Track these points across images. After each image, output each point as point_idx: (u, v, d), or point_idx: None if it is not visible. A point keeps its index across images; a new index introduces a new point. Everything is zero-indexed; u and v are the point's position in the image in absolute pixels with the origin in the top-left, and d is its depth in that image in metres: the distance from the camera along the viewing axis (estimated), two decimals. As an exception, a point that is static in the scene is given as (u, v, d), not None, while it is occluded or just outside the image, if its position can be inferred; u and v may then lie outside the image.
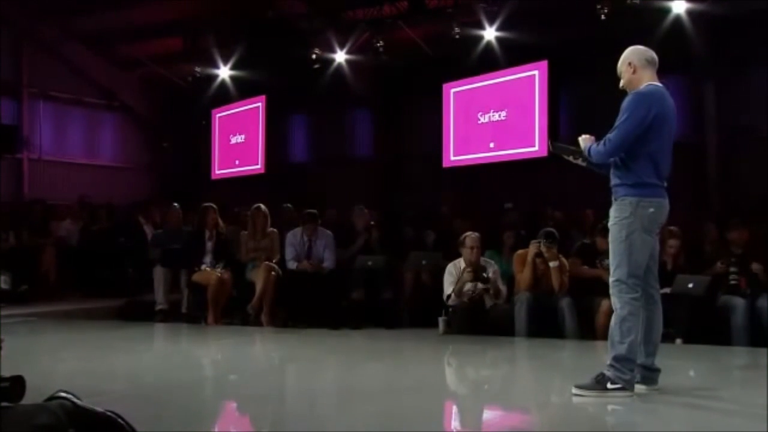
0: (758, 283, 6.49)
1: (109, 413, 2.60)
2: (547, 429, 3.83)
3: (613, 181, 4.05)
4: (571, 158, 4.28)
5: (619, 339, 3.88)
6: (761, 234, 7.00)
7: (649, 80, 4.02)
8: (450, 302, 7.00)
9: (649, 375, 4.04)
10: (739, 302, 6.29)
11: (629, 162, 3.96)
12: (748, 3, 9.12)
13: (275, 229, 8.32)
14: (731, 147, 10.51)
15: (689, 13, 9.53)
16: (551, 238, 6.75)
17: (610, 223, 4.05)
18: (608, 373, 3.88)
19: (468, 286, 6.98)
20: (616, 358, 3.88)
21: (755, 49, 9.78)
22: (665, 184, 4.03)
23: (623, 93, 4.08)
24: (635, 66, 4.05)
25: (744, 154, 10.36)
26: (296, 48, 11.95)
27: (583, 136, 4.16)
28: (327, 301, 7.75)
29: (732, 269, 6.57)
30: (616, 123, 3.96)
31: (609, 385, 3.85)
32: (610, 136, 3.97)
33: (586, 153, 4.10)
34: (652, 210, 3.93)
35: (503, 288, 7.11)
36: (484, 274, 6.96)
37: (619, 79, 4.15)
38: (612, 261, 4.01)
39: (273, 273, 7.75)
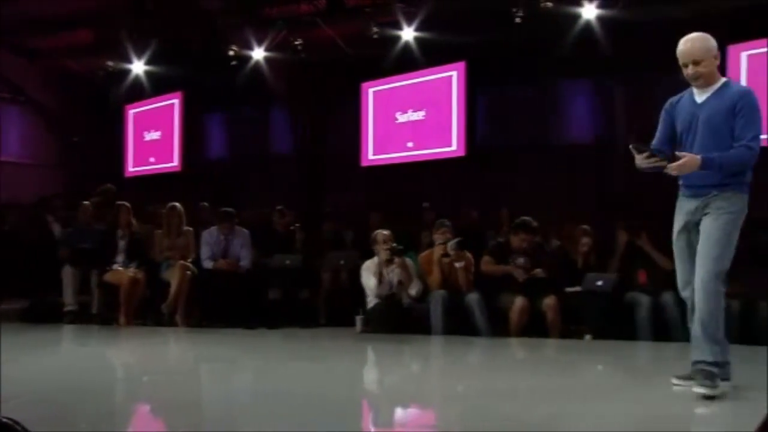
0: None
1: (5, 420, 2.49)
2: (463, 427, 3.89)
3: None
4: (652, 160, 3.74)
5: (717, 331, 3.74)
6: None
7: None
8: (368, 300, 7.05)
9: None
10: (644, 299, 6.53)
11: None
12: (651, 9, 9.38)
13: (191, 228, 8.22)
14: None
15: (599, 18, 9.81)
16: (461, 245, 6.93)
17: (715, 212, 3.76)
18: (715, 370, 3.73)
19: (388, 276, 7.04)
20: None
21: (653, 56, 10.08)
22: None
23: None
24: (717, 55, 3.76)
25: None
26: (213, 44, 11.77)
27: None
28: (243, 300, 7.69)
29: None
30: (742, 122, 3.71)
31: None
32: (748, 142, 3.69)
33: (705, 169, 3.68)
34: (746, 211, 3.82)
35: (419, 283, 7.15)
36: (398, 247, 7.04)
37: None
38: (712, 250, 3.73)
39: (188, 272, 7.65)
